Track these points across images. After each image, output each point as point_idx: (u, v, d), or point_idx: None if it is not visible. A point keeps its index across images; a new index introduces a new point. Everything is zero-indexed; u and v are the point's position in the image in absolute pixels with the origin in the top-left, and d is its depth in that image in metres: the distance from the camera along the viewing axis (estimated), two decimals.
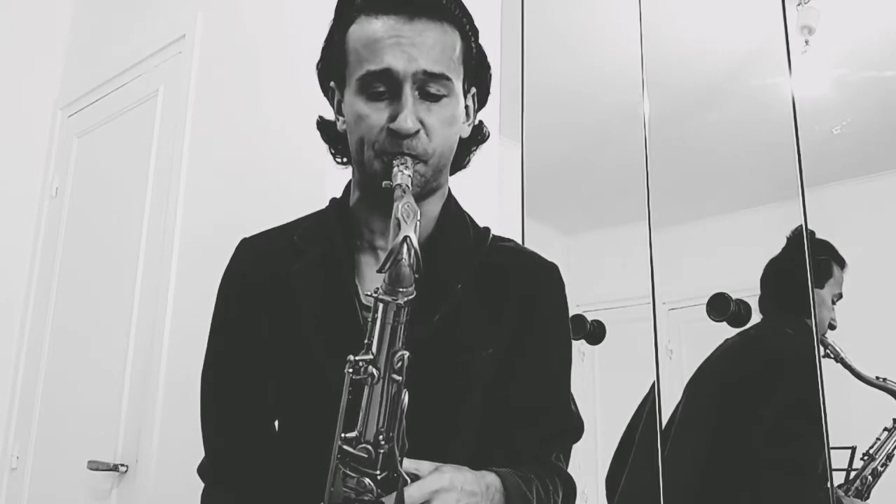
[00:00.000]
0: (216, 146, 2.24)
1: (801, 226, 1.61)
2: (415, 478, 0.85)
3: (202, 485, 1.09)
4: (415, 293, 0.82)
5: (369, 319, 0.85)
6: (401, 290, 0.81)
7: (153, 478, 2.11)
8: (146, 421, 2.17)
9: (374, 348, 0.83)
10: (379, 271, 0.81)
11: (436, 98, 0.96)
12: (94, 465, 2.26)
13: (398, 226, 0.81)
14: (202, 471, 1.09)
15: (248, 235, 1.12)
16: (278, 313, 1.02)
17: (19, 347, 2.83)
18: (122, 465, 2.24)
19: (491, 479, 0.90)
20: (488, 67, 1.08)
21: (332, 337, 0.96)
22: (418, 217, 0.83)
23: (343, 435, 0.84)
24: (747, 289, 1.68)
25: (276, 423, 1.07)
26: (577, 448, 1.10)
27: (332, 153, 1.10)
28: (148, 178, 2.46)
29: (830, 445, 1.47)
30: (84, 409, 2.48)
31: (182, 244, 2.25)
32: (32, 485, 2.61)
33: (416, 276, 0.82)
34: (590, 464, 1.89)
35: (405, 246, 0.80)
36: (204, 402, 1.10)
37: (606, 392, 1.99)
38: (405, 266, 0.80)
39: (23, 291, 2.89)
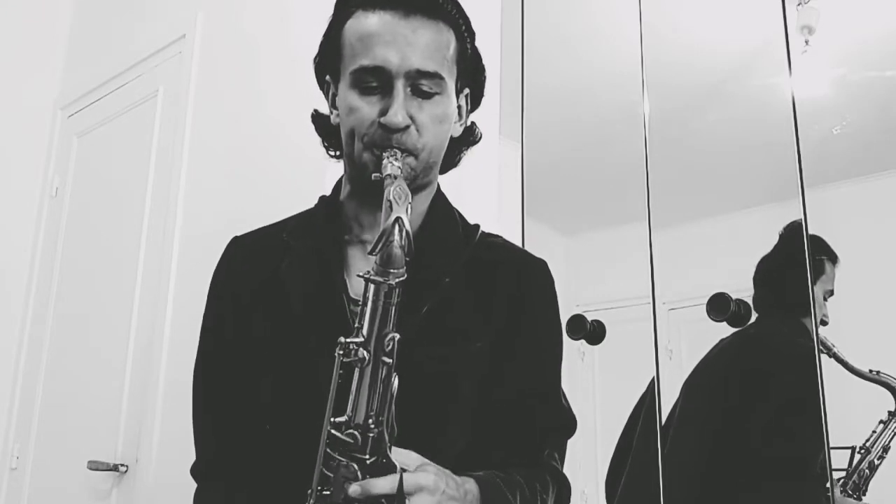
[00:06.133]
0: (216, 146, 2.24)
1: (792, 222, 1.61)
2: (402, 469, 0.85)
3: None
4: (406, 275, 0.82)
5: (359, 304, 0.85)
6: (392, 270, 0.81)
7: (153, 478, 2.11)
8: (146, 421, 2.17)
9: (364, 330, 0.83)
10: (370, 253, 0.82)
11: (427, 95, 0.97)
12: (94, 465, 2.26)
13: (390, 207, 0.81)
14: (195, 471, 1.09)
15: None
16: (268, 310, 1.03)
17: (19, 348, 2.83)
18: (122, 465, 2.24)
19: (470, 485, 0.90)
20: (483, 70, 1.09)
21: (320, 332, 0.97)
22: (410, 200, 0.84)
23: (332, 419, 0.84)
24: (747, 289, 1.68)
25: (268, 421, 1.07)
26: (577, 448, 1.09)
27: (325, 146, 1.11)
28: (148, 178, 2.46)
29: (829, 443, 1.47)
30: (84, 409, 2.48)
31: (182, 244, 2.25)
32: (32, 485, 2.61)
33: (408, 258, 0.82)
34: (590, 463, 1.89)
35: (397, 227, 0.80)
36: (195, 402, 1.10)
37: (606, 392, 1.99)
38: (396, 247, 0.81)
39: (23, 291, 2.89)
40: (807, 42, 1.77)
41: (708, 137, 1.90)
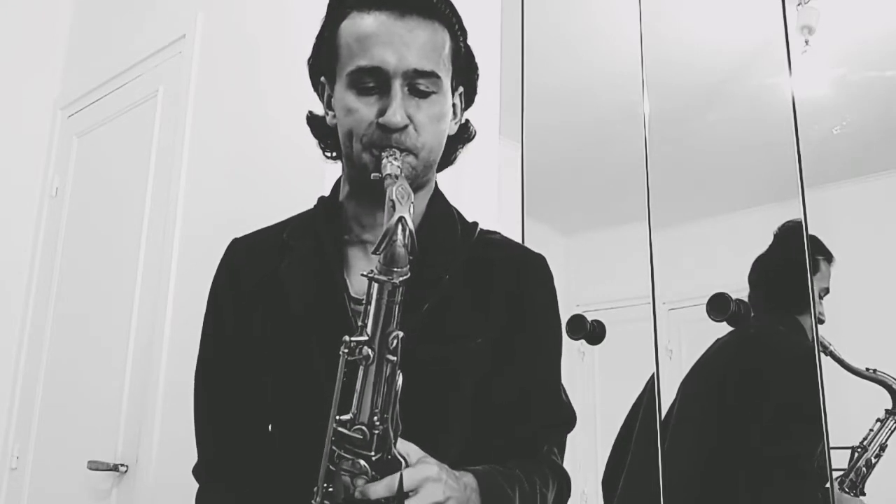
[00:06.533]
0: (216, 146, 2.24)
1: (787, 222, 1.61)
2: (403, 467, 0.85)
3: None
4: (409, 273, 0.83)
5: (362, 305, 0.85)
6: (395, 269, 0.82)
7: (153, 478, 2.11)
8: (146, 421, 2.17)
9: (368, 329, 0.83)
10: (374, 252, 0.82)
11: (425, 95, 0.97)
12: (94, 465, 2.26)
13: (393, 207, 0.82)
14: (196, 471, 1.09)
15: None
16: (269, 310, 1.03)
17: (19, 348, 2.83)
18: (122, 465, 2.24)
19: (468, 479, 0.90)
20: (476, 68, 1.10)
21: (321, 332, 0.97)
22: (412, 199, 0.84)
23: (338, 417, 0.84)
24: (747, 288, 1.68)
25: (270, 421, 1.08)
26: (577, 446, 1.10)
27: (321, 147, 1.11)
28: (148, 178, 2.47)
29: (828, 443, 1.47)
30: (84, 410, 2.48)
31: (182, 244, 2.25)
32: (32, 485, 2.61)
33: (411, 257, 0.83)
34: (590, 463, 1.89)
35: (400, 226, 0.81)
36: (196, 402, 1.10)
37: (606, 392, 1.99)
38: (400, 246, 0.81)
39: (23, 292, 2.89)
40: (807, 42, 1.77)
41: (708, 137, 1.90)
